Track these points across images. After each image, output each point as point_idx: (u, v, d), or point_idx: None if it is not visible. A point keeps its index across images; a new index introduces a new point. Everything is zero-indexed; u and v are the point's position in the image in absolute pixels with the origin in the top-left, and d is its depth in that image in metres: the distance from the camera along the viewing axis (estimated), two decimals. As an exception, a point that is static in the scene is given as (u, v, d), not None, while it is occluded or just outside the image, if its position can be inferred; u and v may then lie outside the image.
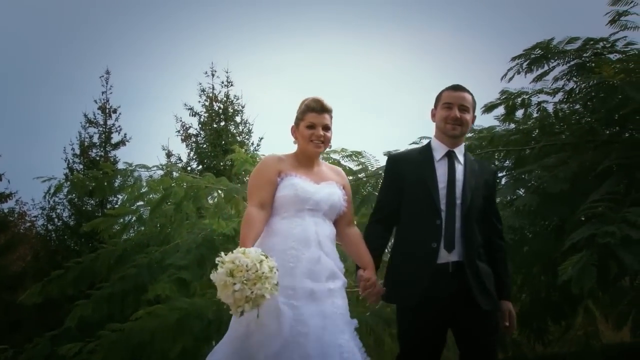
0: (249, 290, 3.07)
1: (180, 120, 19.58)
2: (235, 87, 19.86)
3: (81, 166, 18.95)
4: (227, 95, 19.77)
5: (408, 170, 3.74)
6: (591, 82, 5.60)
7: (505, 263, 3.81)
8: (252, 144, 19.25)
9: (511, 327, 3.77)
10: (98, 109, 19.60)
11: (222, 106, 19.61)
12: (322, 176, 3.70)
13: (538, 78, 6.28)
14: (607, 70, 5.33)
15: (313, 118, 3.64)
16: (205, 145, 19.15)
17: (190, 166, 18.74)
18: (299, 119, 3.70)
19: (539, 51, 6.09)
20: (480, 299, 3.54)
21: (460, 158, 3.76)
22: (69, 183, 8.04)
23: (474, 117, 3.88)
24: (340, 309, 3.51)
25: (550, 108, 6.58)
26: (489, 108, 6.78)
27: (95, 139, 19.48)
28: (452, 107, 3.72)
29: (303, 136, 3.65)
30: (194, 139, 19.41)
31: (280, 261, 3.31)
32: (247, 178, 9.69)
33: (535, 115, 6.66)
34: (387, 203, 3.79)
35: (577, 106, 6.09)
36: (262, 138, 19.36)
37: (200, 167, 18.54)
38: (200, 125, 19.54)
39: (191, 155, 19.20)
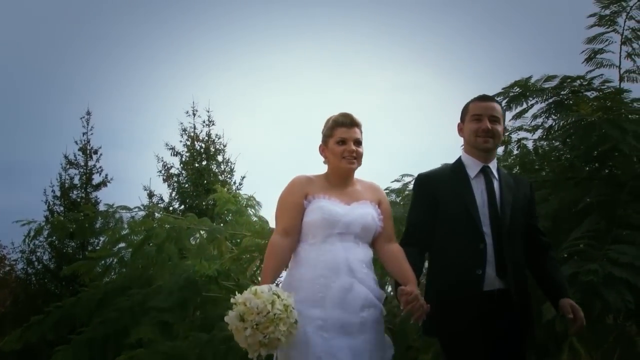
0: (261, 334, 2.94)
1: (162, 160, 19.55)
2: (217, 126, 19.87)
3: (62, 208, 18.80)
4: (208, 135, 19.78)
5: (441, 190, 3.46)
6: (570, 119, 5.65)
7: (558, 267, 3.60)
8: (234, 182, 19.23)
9: (578, 318, 3.33)
10: (79, 150, 19.55)
11: (203, 145, 19.59)
12: (355, 196, 3.45)
13: (517, 116, 6.34)
14: (584, 109, 5.39)
15: (343, 133, 3.43)
16: (187, 185, 19.08)
17: (172, 206, 18.64)
18: (327, 136, 3.48)
19: (518, 89, 6.14)
20: (527, 326, 3.36)
21: (495, 173, 3.51)
22: (49, 226, 8.00)
23: (504, 129, 3.64)
24: (373, 344, 3.28)
25: (530, 145, 6.64)
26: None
27: (76, 181, 19.39)
28: (481, 118, 3.47)
29: (334, 153, 3.43)
30: (176, 179, 19.36)
31: (310, 292, 3.21)
32: (229, 217, 9.68)
33: (515, 152, 6.70)
34: (419, 226, 3.47)
35: (557, 143, 6.14)
36: (244, 177, 19.37)
37: (183, 207, 18.44)
38: (182, 165, 19.50)
39: (173, 195, 19.12)
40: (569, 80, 5.98)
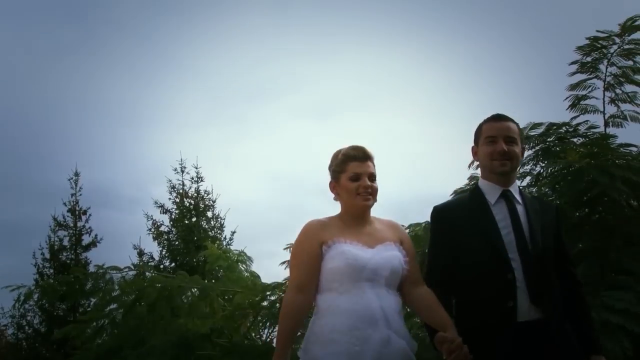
0: None
1: (152, 218, 19.46)
2: (206, 182, 19.85)
3: (52, 270, 18.64)
4: (197, 191, 19.74)
5: (460, 220, 3.20)
6: (558, 166, 5.70)
7: (589, 312, 3.32)
8: (225, 238, 19.12)
9: None
10: (68, 211, 19.47)
11: (193, 202, 19.56)
12: (377, 237, 3.16)
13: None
14: (572, 155, 5.45)
15: (356, 167, 3.15)
16: (177, 242, 18.98)
17: (163, 264, 18.52)
18: (338, 172, 3.21)
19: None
20: (568, 358, 3.03)
21: (518, 197, 3.24)
22: (39, 289, 7.93)
23: (523, 149, 3.38)
24: None
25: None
26: (459, 194, 6.84)
27: (66, 242, 19.25)
28: (496, 140, 3.21)
29: (347, 190, 3.15)
30: (166, 237, 19.25)
31: (344, 345, 2.90)
32: (220, 274, 9.64)
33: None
34: (440, 262, 3.23)
35: (546, 190, 6.16)
36: (234, 232, 19.28)
37: (173, 264, 18.31)
38: (171, 222, 19.41)
39: (163, 253, 18.99)
40: (555, 127, 6.05)
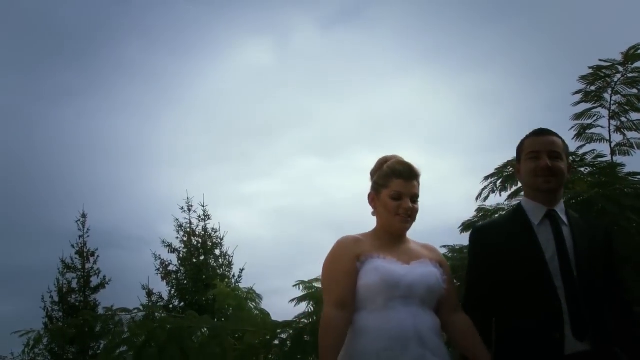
0: None
1: (159, 258, 19.45)
2: (213, 220, 19.85)
3: (61, 313, 18.61)
4: (204, 229, 19.75)
5: (501, 242, 3.01)
6: (566, 197, 5.67)
7: None
8: (233, 276, 19.09)
9: None
10: (76, 253, 19.48)
11: (200, 240, 19.55)
12: (412, 254, 3.01)
13: (513, 195, 6.36)
14: (580, 186, 5.42)
15: (400, 186, 2.98)
16: (186, 282, 18.93)
17: (172, 304, 18.45)
18: (380, 185, 3.04)
19: (511, 169, 6.18)
20: None
21: (564, 218, 3.04)
22: (48, 333, 7.89)
23: (569, 165, 3.23)
24: None
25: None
26: (467, 226, 6.80)
27: (74, 285, 19.28)
28: (539, 155, 3.03)
29: (387, 208, 2.99)
30: (174, 276, 19.21)
31: None
32: (230, 312, 9.58)
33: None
34: (479, 287, 3.07)
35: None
36: (242, 269, 19.23)
37: (182, 304, 18.25)
38: (179, 262, 19.39)
39: (172, 292, 18.94)
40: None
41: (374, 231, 3.09)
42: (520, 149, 3.18)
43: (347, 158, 30.88)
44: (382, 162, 3.11)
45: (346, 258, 2.94)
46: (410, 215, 3.01)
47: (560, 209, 3.07)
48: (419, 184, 3.05)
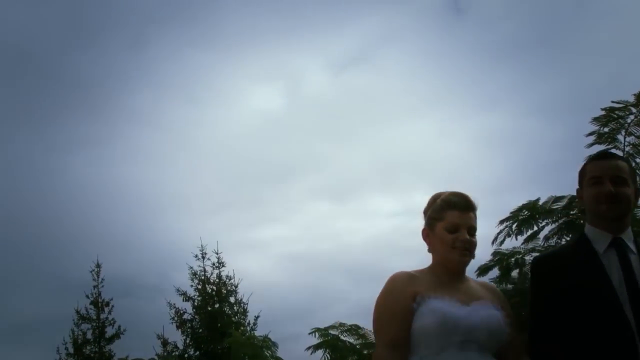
0: None
1: (174, 307, 19.34)
2: (227, 267, 19.78)
3: (76, 365, 18.51)
4: (219, 277, 19.66)
5: (565, 272, 2.80)
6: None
7: None
8: (249, 323, 18.92)
9: None
10: (90, 303, 19.43)
11: (215, 288, 19.46)
12: (472, 294, 2.78)
13: (529, 238, 6.33)
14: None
15: (456, 217, 2.78)
16: (201, 330, 18.81)
17: (187, 353, 18.31)
18: (434, 219, 2.84)
19: (526, 212, 6.17)
20: None
21: (632, 246, 2.81)
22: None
23: (636, 191, 2.91)
24: None
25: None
26: (483, 270, 6.78)
27: (89, 335, 19.14)
28: (602, 180, 2.82)
29: (443, 242, 2.78)
30: (189, 325, 19.09)
31: None
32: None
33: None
34: (544, 322, 2.81)
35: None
36: (257, 317, 19.09)
37: (198, 352, 18.12)
38: (194, 310, 19.27)
39: (187, 341, 18.79)
40: (577, 199, 6.01)
41: (430, 268, 2.85)
42: (582, 173, 2.97)
43: (360, 201, 30.93)
44: (435, 197, 2.92)
45: (401, 296, 2.70)
46: (469, 248, 2.78)
47: (627, 236, 2.85)
48: (475, 216, 2.85)
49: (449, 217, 2.79)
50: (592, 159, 2.99)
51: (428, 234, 2.87)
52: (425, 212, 2.93)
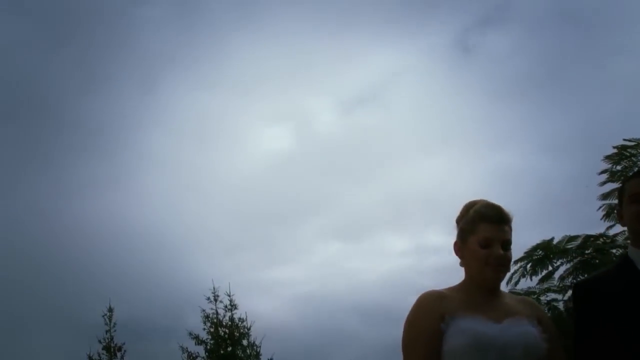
0: None
1: (187, 351, 19.20)
2: (239, 310, 19.66)
3: (88, 411, 18.34)
4: (231, 319, 19.54)
5: (609, 295, 2.66)
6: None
7: None
8: (262, 366, 18.79)
9: None
10: (103, 348, 19.30)
11: (227, 331, 19.33)
12: (506, 310, 2.59)
13: (544, 279, 6.28)
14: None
15: (489, 231, 2.59)
16: (214, 374, 18.67)
17: (200, 398, 18.16)
18: (466, 232, 2.66)
19: (540, 252, 6.13)
20: None
21: None
22: None
23: None
24: None
25: (561, 306, 6.53)
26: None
27: (102, 380, 19.01)
28: None
29: (475, 257, 2.61)
30: (202, 369, 18.95)
31: None
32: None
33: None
34: (590, 349, 2.68)
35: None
36: (271, 359, 18.94)
37: (211, 397, 17.96)
38: (207, 354, 19.12)
39: (200, 385, 18.66)
40: (592, 239, 5.98)
41: (462, 284, 2.68)
42: (621, 192, 2.86)
43: (371, 240, 30.83)
44: (468, 207, 2.74)
45: (429, 318, 2.54)
46: (503, 263, 2.62)
47: None
48: (510, 229, 2.66)
49: (481, 230, 2.61)
50: (632, 176, 2.92)
51: (460, 247, 2.70)
52: (458, 222, 2.76)
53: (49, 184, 30.40)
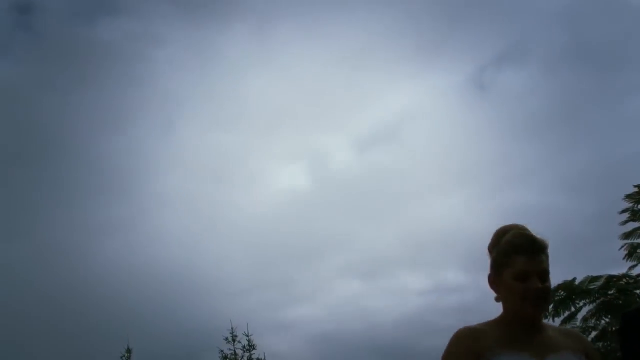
0: None
1: (206, 392, 19.08)
2: (258, 350, 19.54)
3: None
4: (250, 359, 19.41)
5: None
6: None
7: None
8: (280, 408, 18.60)
9: None
10: (122, 390, 19.20)
11: (246, 371, 19.17)
12: (550, 345, 2.39)
13: (567, 320, 6.23)
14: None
15: (524, 263, 2.37)
16: (232, 416, 18.48)
17: None
18: (500, 264, 2.44)
19: (563, 293, 6.09)
20: None
21: None
22: None
23: None
24: None
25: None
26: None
27: (122, 422, 18.86)
28: None
29: (512, 292, 2.38)
30: (222, 410, 18.77)
31: None
32: None
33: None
34: None
35: (614, 345, 5.97)
36: (288, 401, 18.76)
37: None
38: (226, 396, 18.98)
39: None
40: (615, 279, 5.94)
41: (499, 319, 2.46)
42: None
43: (389, 279, 30.67)
44: (500, 235, 2.52)
45: (465, 357, 2.37)
46: (543, 297, 2.39)
47: None
48: (547, 257, 2.43)
49: (517, 263, 2.39)
50: None
51: (494, 280, 2.48)
52: (490, 250, 2.55)
53: (70, 224, 30.64)
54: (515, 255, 2.38)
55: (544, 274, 2.36)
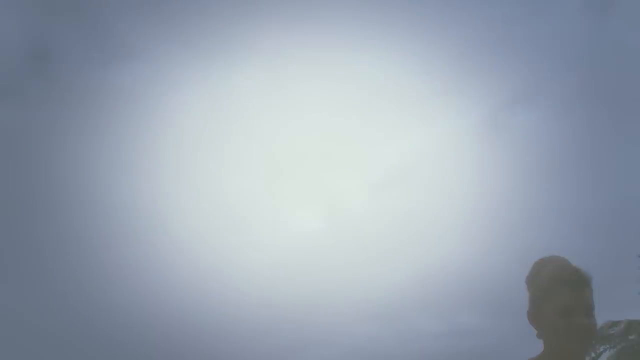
0: None
1: None
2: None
3: None
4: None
5: None
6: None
7: None
8: None
9: None
10: None
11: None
12: None
13: None
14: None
15: (568, 298, 2.22)
16: None
17: None
18: (541, 299, 2.29)
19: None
20: None
21: None
22: None
23: None
24: None
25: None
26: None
27: None
28: None
29: (554, 328, 2.23)
30: None
31: None
32: None
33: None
34: None
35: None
36: None
37: None
38: None
39: None
40: (636, 323, 5.89)
41: (541, 356, 2.32)
42: None
43: (404, 322, 30.38)
44: (539, 268, 2.37)
45: None
46: (589, 334, 2.26)
47: None
48: (591, 291, 2.28)
49: (558, 298, 2.24)
50: None
51: (534, 316, 2.31)
52: (527, 284, 2.40)
53: (82, 271, 30.66)
54: (558, 288, 2.24)
55: (589, 309, 2.24)
